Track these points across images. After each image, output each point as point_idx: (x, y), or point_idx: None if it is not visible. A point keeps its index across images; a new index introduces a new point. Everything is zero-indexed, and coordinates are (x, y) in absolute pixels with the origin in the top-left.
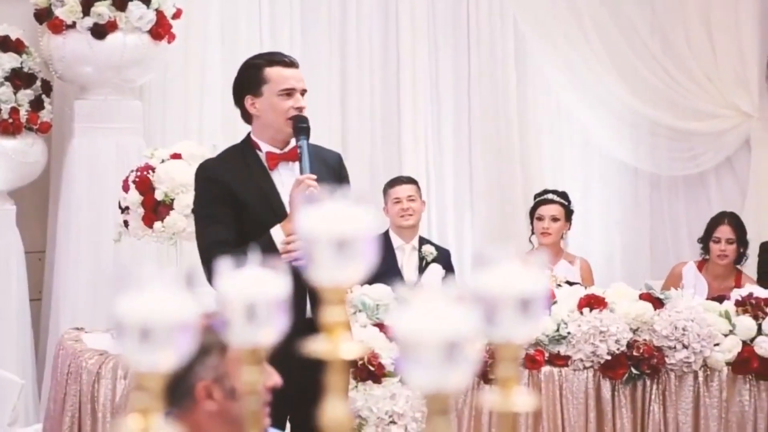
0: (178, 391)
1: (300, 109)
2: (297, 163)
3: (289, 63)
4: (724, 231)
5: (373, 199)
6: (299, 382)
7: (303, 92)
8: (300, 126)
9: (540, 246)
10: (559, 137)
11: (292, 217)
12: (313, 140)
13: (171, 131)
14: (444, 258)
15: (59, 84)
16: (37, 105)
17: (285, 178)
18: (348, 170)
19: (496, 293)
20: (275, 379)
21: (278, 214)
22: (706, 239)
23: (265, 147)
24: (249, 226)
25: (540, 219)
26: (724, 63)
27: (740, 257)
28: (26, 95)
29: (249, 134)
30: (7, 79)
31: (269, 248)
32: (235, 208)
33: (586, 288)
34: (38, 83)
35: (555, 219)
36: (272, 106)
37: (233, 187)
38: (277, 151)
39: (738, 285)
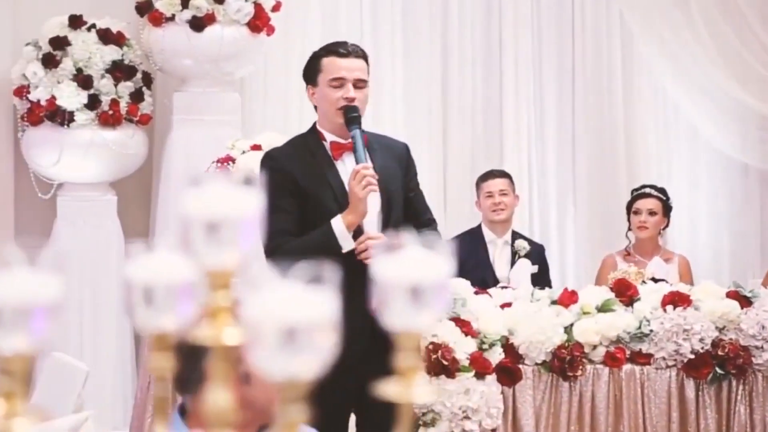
0: (192, 378)
1: (350, 99)
2: None
3: (346, 53)
4: None
5: (258, 181)
6: (360, 379)
7: (359, 83)
8: (350, 116)
9: (637, 241)
10: (666, 131)
11: (353, 208)
12: (414, 133)
13: (271, 124)
14: (537, 253)
15: (161, 76)
16: (137, 97)
17: (349, 168)
18: (415, 161)
19: (394, 280)
20: None
21: (342, 204)
22: None
23: (329, 137)
24: (312, 215)
25: (637, 213)
26: None
27: None
28: (126, 87)
29: (315, 123)
30: (108, 71)
31: (330, 238)
32: (298, 197)
33: (671, 285)
34: (139, 75)
35: (652, 213)
36: (324, 96)
37: (297, 176)
38: (342, 140)
39: None
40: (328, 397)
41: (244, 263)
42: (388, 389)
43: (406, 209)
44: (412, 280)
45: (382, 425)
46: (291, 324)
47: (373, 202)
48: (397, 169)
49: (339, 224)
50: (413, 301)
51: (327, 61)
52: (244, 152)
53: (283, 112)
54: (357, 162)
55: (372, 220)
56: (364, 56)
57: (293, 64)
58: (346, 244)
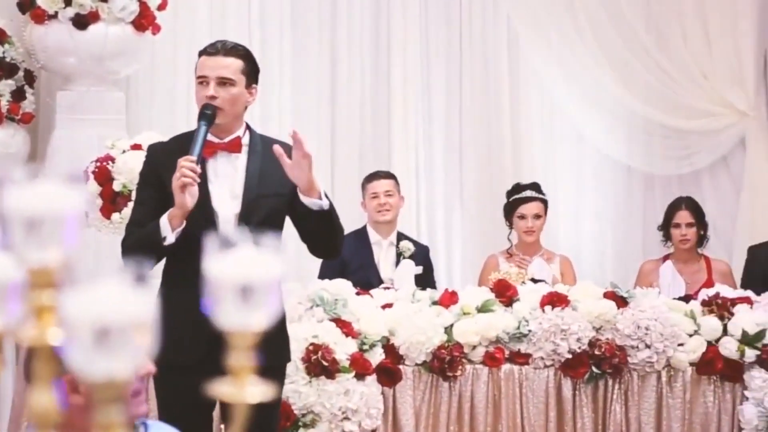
0: None
1: (209, 97)
2: (237, 155)
3: (214, 51)
4: (683, 216)
5: (81, 179)
6: (214, 372)
7: (224, 81)
8: (202, 111)
9: (521, 244)
10: (552, 134)
11: (176, 201)
12: (302, 134)
13: (157, 123)
14: (422, 254)
15: (44, 74)
16: (18, 95)
17: (220, 168)
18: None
19: (225, 279)
20: (148, 366)
21: (199, 201)
22: (666, 226)
23: (208, 136)
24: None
25: (522, 218)
26: (720, 60)
27: (701, 239)
28: (8, 85)
29: None
30: None
31: (157, 231)
32: (161, 191)
33: (553, 286)
34: (20, 73)
35: (537, 216)
36: (195, 94)
37: (161, 171)
38: (216, 140)
39: (709, 269)
40: (184, 394)
41: (68, 261)
42: (221, 389)
43: (293, 214)
44: (243, 280)
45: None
46: (106, 323)
47: (232, 205)
48: (276, 175)
49: (164, 217)
50: (244, 301)
51: (199, 61)
52: (124, 152)
53: (170, 111)
54: (191, 154)
55: (229, 221)
56: (238, 54)
57: (180, 63)
58: (168, 236)
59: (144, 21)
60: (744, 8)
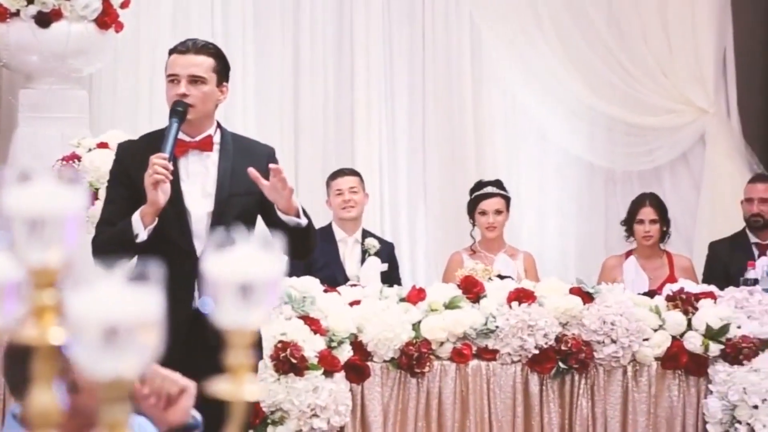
0: (22, 388)
1: (180, 95)
2: (209, 153)
3: (185, 50)
4: (647, 212)
5: (80, 179)
6: (192, 372)
7: (195, 79)
8: (174, 109)
9: (483, 238)
10: (514, 132)
11: (148, 198)
12: (266, 133)
13: (120, 122)
14: (387, 251)
15: (6, 73)
16: None
17: (192, 167)
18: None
19: (224, 277)
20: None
21: (171, 200)
22: (629, 222)
23: (180, 135)
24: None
25: (484, 214)
26: (680, 58)
27: (663, 235)
28: None
29: None
30: None
31: (128, 228)
32: (132, 189)
33: (519, 282)
34: None
35: (498, 212)
36: (165, 93)
37: (132, 170)
38: (188, 138)
39: (671, 265)
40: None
41: (69, 261)
42: (219, 387)
43: (266, 213)
44: (243, 278)
45: (210, 416)
46: (113, 322)
47: (205, 203)
48: (248, 174)
49: (136, 214)
50: (244, 299)
51: (169, 59)
52: (90, 150)
53: (133, 109)
54: (162, 151)
55: (201, 220)
56: (209, 53)
57: (143, 61)
58: (140, 233)
59: (107, 19)
60: (703, 7)
